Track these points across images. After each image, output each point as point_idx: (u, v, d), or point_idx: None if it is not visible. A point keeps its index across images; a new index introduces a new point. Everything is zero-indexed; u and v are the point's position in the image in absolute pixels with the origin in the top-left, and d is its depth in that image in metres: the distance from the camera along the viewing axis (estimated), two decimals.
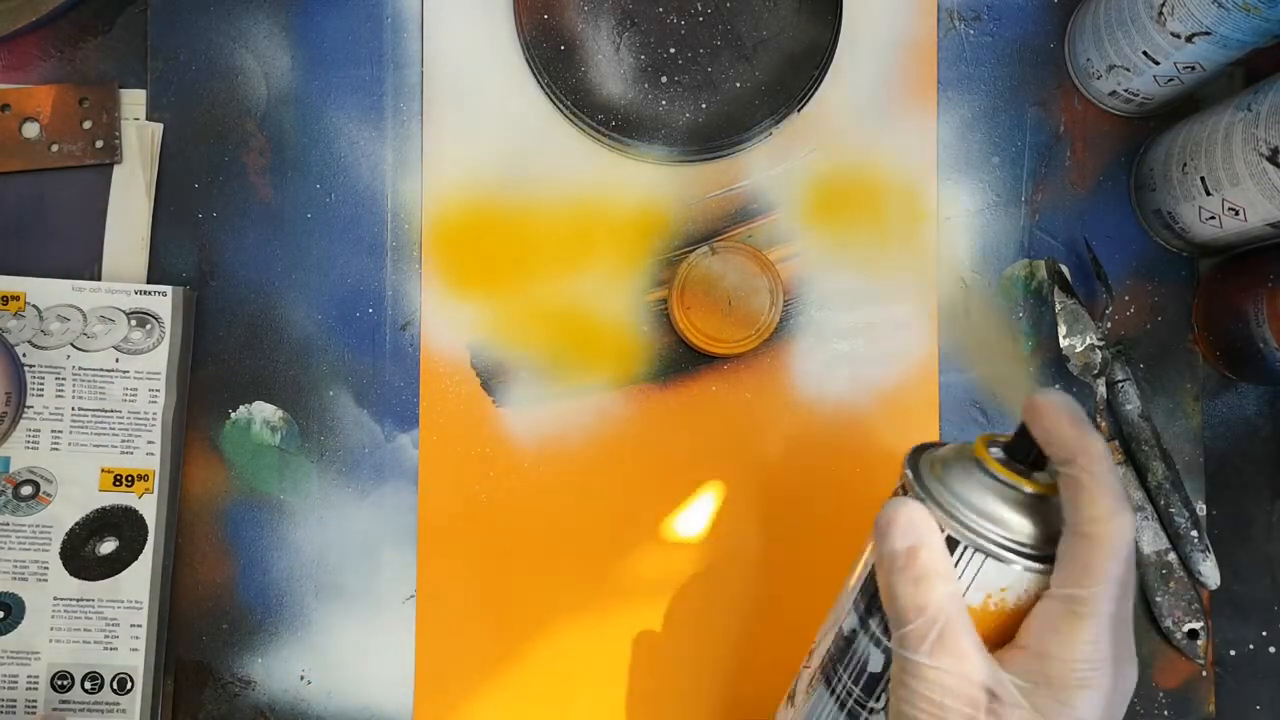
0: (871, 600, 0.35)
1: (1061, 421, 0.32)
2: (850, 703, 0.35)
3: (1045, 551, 0.32)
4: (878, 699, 0.34)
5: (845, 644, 0.36)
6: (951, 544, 0.33)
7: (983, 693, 0.31)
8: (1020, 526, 0.33)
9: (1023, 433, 0.33)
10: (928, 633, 0.31)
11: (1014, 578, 0.32)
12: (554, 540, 0.49)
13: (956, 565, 0.32)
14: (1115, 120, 0.52)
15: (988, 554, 0.32)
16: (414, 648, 0.49)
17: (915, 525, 0.33)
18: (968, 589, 0.33)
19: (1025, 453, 0.33)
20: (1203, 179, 0.45)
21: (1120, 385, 0.50)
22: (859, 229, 0.51)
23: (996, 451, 0.34)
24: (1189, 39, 0.44)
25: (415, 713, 0.49)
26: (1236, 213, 0.44)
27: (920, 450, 0.36)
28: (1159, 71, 0.47)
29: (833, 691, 0.36)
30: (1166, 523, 0.50)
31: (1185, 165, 0.47)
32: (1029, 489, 0.33)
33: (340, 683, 0.49)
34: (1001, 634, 0.33)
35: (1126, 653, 0.32)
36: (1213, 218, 0.46)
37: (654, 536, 0.50)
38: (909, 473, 0.35)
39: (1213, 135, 0.45)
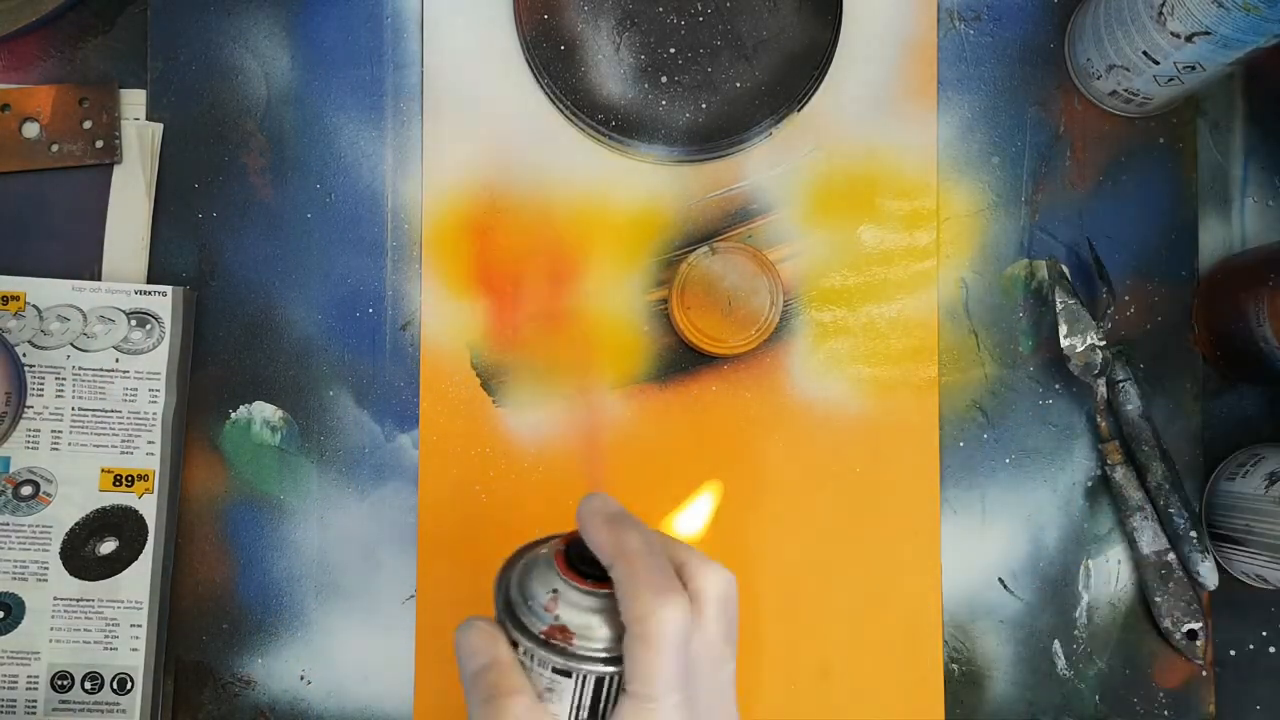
0: None
1: (596, 527, 0.33)
2: None
3: (620, 652, 0.33)
4: None
5: None
6: (528, 658, 0.33)
7: None
8: (596, 630, 0.33)
9: (577, 540, 0.34)
10: None
11: (594, 683, 0.33)
12: None
13: (541, 675, 0.33)
14: (1115, 120, 0.52)
15: (563, 663, 0.33)
16: (414, 648, 0.49)
17: (478, 647, 0.33)
18: (550, 695, 0.33)
19: (590, 556, 0.34)
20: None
21: (1121, 385, 0.50)
22: (859, 229, 0.51)
23: (572, 559, 0.34)
24: (1189, 39, 0.44)
25: (415, 712, 0.49)
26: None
27: (515, 559, 0.36)
28: (1159, 71, 0.47)
29: None
30: (1165, 523, 0.50)
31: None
32: (601, 592, 0.33)
33: (340, 683, 0.49)
34: None
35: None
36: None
37: None
38: (497, 582, 0.35)
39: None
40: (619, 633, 0.33)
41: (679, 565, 0.35)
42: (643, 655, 0.31)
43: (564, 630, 0.33)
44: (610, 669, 0.33)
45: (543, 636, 0.33)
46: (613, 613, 0.33)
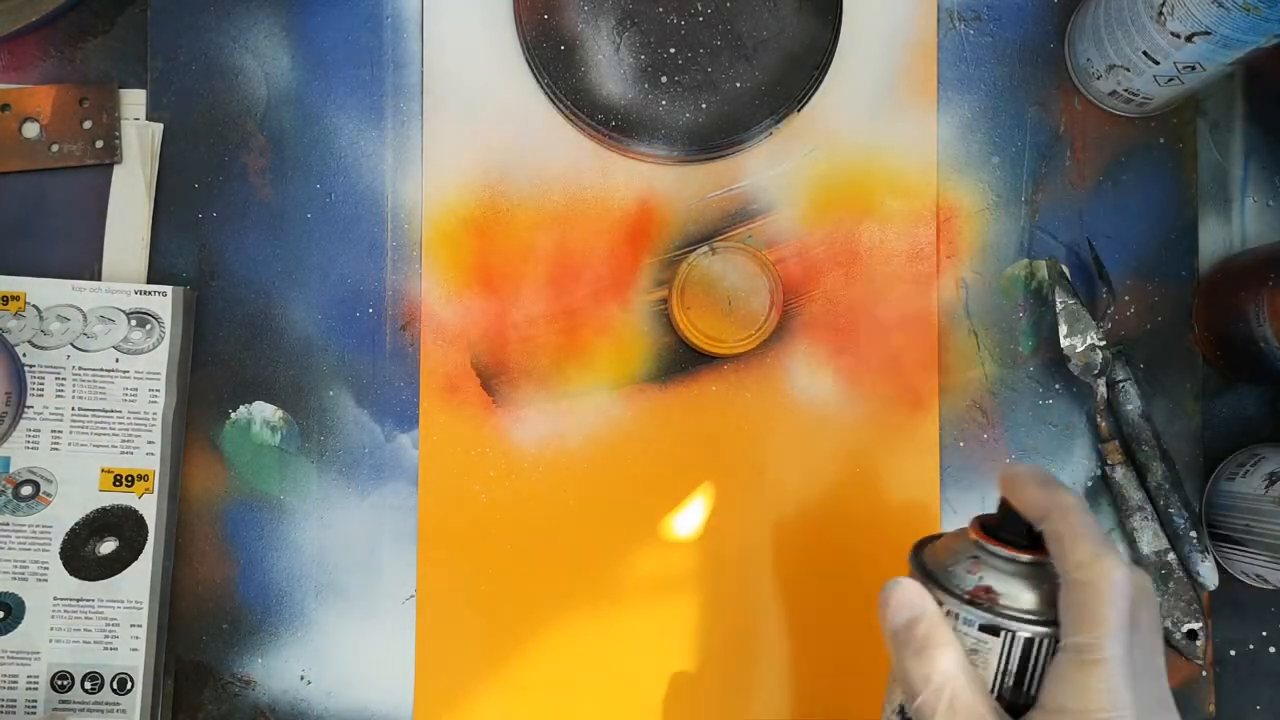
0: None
1: (1031, 485, 0.34)
2: None
3: (1051, 616, 0.33)
4: None
5: None
6: (958, 620, 0.34)
7: None
8: (1021, 595, 0.34)
9: (1003, 505, 0.35)
10: (937, 702, 0.32)
11: (1023, 644, 0.33)
12: (554, 540, 0.49)
13: (968, 634, 0.33)
14: (1115, 120, 0.52)
15: (989, 621, 0.33)
16: (414, 648, 0.49)
17: (910, 600, 0.34)
18: (975, 657, 0.34)
19: (1013, 524, 0.35)
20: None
21: (1121, 385, 0.50)
22: (859, 229, 0.51)
23: (991, 529, 0.35)
24: (1189, 39, 0.44)
25: (415, 713, 0.49)
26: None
27: (923, 543, 0.38)
28: (1159, 71, 0.47)
29: None
30: (1165, 523, 0.50)
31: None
32: (1025, 558, 0.34)
33: (340, 683, 0.49)
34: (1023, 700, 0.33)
35: (1154, 701, 0.33)
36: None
37: (653, 537, 0.50)
38: (911, 560, 0.36)
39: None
40: (1046, 599, 0.33)
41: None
42: (1086, 601, 0.31)
43: (989, 591, 0.34)
44: (1042, 629, 0.33)
45: (969, 596, 0.34)
46: (1037, 579, 0.34)
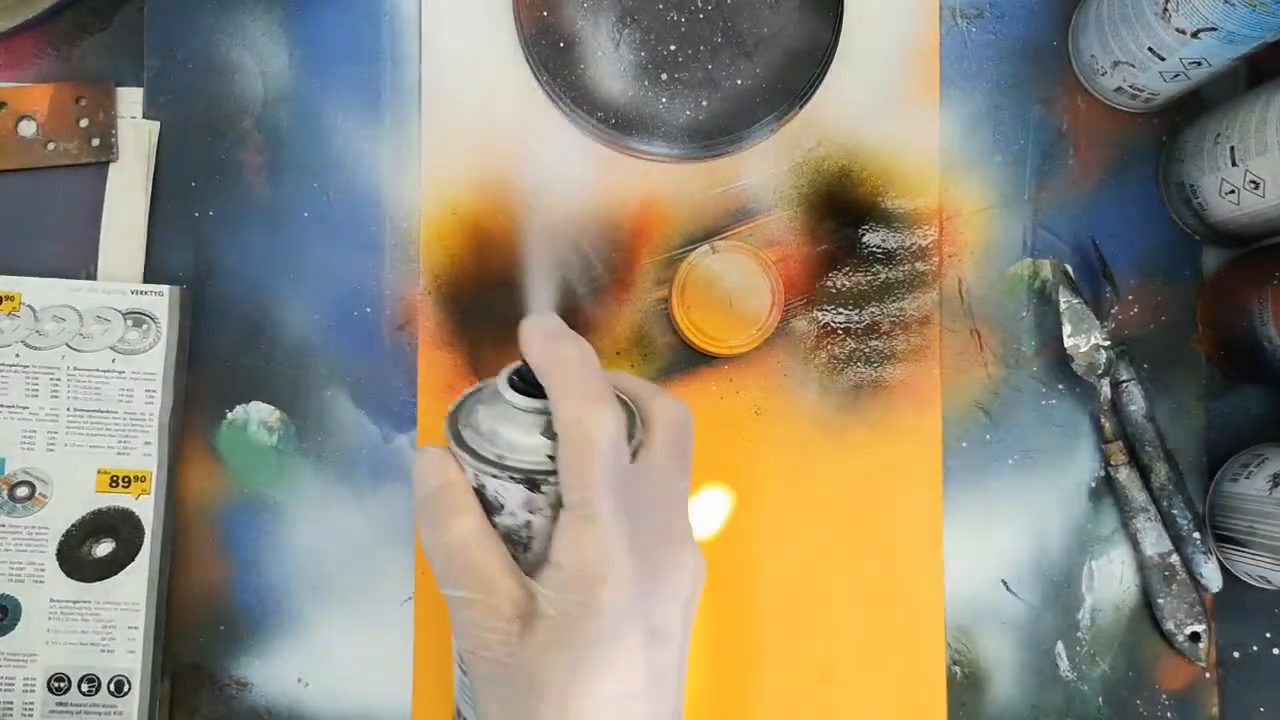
0: None
1: (534, 338, 0.33)
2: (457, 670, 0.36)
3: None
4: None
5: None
6: (478, 480, 0.33)
7: (515, 610, 0.31)
8: (539, 446, 0.33)
9: (524, 364, 0.34)
10: (449, 566, 0.32)
11: (543, 498, 0.33)
12: None
13: (493, 494, 0.33)
14: (1119, 118, 0.52)
15: (506, 479, 0.33)
16: (412, 650, 0.48)
17: (430, 469, 0.33)
18: (505, 514, 0.33)
19: (532, 375, 0.34)
20: (1232, 149, 0.46)
21: (1125, 385, 0.50)
22: (861, 228, 0.51)
23: (514, 379, 0.34)
24: (1195, 35, 0.43)
25: (414, 715, 0.48)
26: (1257, 185, 0.44)
27: (468, 396, 0.36)
28: (1165, 68, 0.46)
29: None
30: (1169, 524, 0.50)
31: (1219, 135, 0.47)
32: (541, 408, 0.33)
33: (338, 685, 0.48)
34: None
35: (673, 533, 0.33)
36: (1232, 192, 0.46)
37: None
38: (446, 420, 0.35)
39: (1251, 105, 0.45)
40: (558, 447, 0.32)
41: (632, 396, 0.35)
42: (574, 459, 0.31)
43: (506, 445, 0.33)
44: (552, 480, 0.32)
45: (486, 455, 0.33)
46: (552, 427, 0.33)
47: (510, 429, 0.33)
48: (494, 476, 0.33)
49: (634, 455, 0.34)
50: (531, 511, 0.33)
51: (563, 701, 0.31)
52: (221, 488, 0.49)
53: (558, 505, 0.32)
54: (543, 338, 0.33)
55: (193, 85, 0.49)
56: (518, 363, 0.35)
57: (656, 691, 0.32)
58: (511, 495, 0.33)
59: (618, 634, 0.31)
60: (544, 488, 0.33)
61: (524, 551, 0.33)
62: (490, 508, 0.33)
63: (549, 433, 0.33)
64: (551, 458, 0.33)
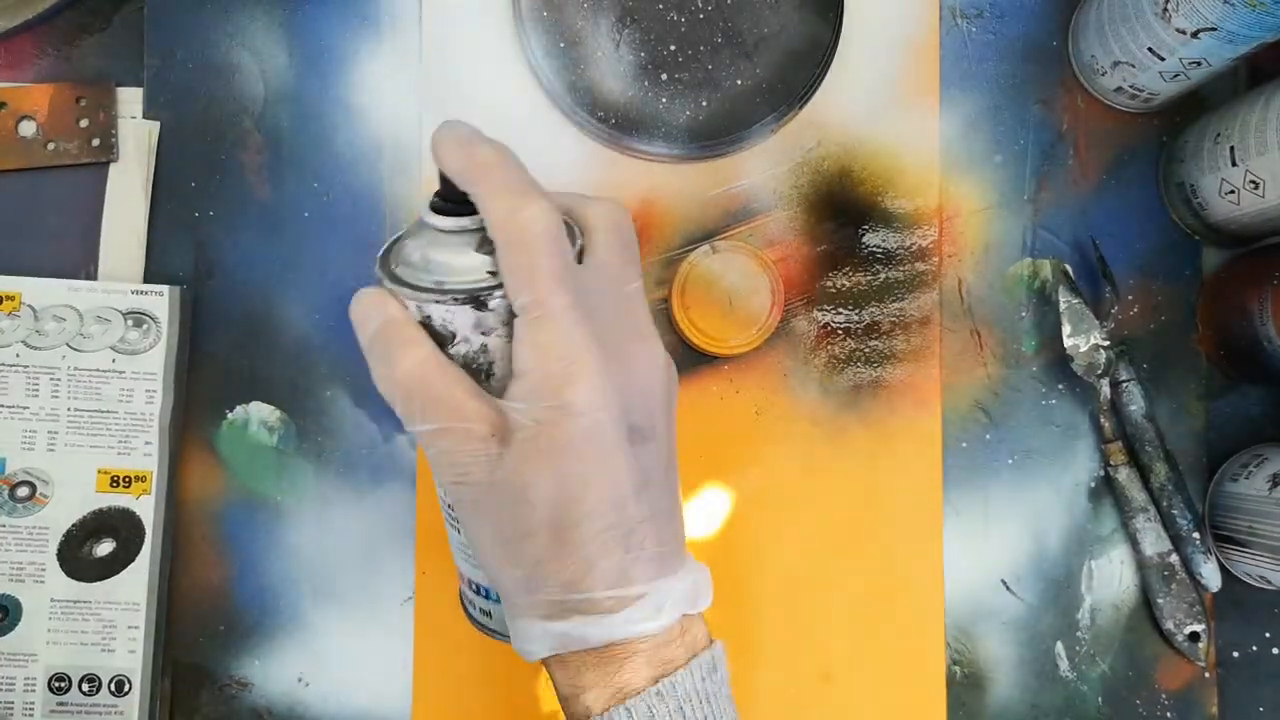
0: None
1: (448, 145, 0.31)
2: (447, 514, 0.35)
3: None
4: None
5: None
6: (422, 313, 0.32)
7: (489, 429, 0.30)
8: (476, 263, 0.31)
9: (443, 175, 0.32)
10: (411, 401, 0.31)
11: (492, 315, 0.31)
12: None
13: (440, 324, 0.31)
14: (1118, 117, 0.52)
15: (449, 303, 0.31)
16: (412, 650, 0.48)
17: (369, 310, 0.32)
18: (459, 343, 0.32)
19: (452, 192, 0.32)
20: (1232, 149, 0.46)
21: (1124, 385, 0.50)
22: (860, 228, 0.51)
23: (436, 201, 0.33)
24: (1195, 35, 0.43)
25: (413, 715, 0.48)
26: (1257, 185, 0.44)
27: (396, 239, 0.34)
28: (1165, 67, 0.46)
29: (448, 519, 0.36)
30: (1168, 524, 0.50)
31: (1219, 135, 0.47)
32: (470, 224, 0.32)
33: (338, 685, 0.48)
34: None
35: (632, 328, 0.32)
36: (1232, 192, 0.46)
37: None
38: (376, 266, 0.33)
39: (1251, 105, 0.45)
40: (497, 260, 0.31)
41: (566, 208, 0.33)
42: (515, 259, 0.30)
43: (442, 269, 0.31)
44: (497, 294, 0.31)
45: (424, 285, 0.31)
46: (487, 241, 0.31)
47: (443, 253, 0.32)
48: (437, 303, 0.31)
49: (579, 259, 0.32)
50: (484, 333, 0.32)
51: (553, 512, 0.30)
52: (222, 487, 0.49)
53: (510, 319, 0.31)
54: (457, 145, 0.31)
55: (193, 85, 0.49)
56: (436, 188, 0.33)
57: (646, 493, 0.31)
58: (460, 320, 0.31)
59: (598, 433, 0.30)
60: (491, 304, 0.31)
61: (487, 379, 0.32)
62: (442, 339, 0.32)
63: (483, 247, 0.31)
64: (493, 273, 0.31)
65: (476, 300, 0.31)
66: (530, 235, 0.30)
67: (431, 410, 0.30)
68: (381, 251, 0.34)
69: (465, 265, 0.31)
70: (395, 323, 0.31)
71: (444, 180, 0.32)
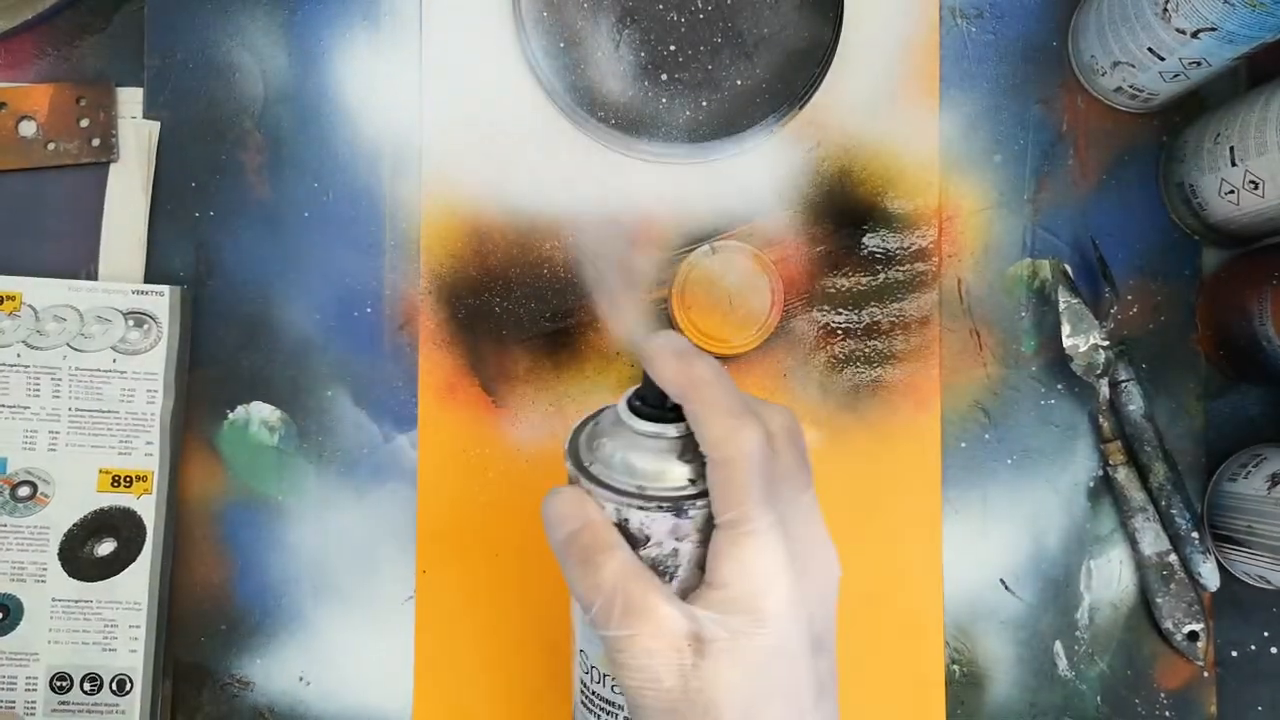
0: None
1: (665, 361, 0.32)
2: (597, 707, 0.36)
3: (704, 487, 0.32)
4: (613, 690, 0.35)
5: (581, 659, 0.36)
6: (620, 515, 0.32)
7: (685, 639, 0.31)
8: (678, 472, 0.32)
9: (647, 380, 0.33)
10: (610, 607, 0.31)
11: (689, 523, 0.32)
12: None
13: (637, 527, 0.32)
14: (1118, 118, 0.52)
15: (651, 509, 0.32)
16: (413, 649, 0.49)
17: (567, 511, 0.33)
18: (650, 545, 0.32)
19: (658, 399, 0.33)
20: (1232, 149, 0.46)
21: (1124, 385, 0.50)
22: (860, 228, 0.51)
23: (637, 405, 0.34)
24: (1195, 35, 0.43)
25: (414, 714, 0.48)
26: (1256, 185, 0.44)
27: (580, 428, 0.35)
28: (1165, 68, 0.46)
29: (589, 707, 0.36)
30: (1167, 524, 0.50)
31: (1219, 135, 0.47)
32: (674, 433, 0.33)
33: (339, 684, 0.48)
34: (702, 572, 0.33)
35: (811, 536, 0.33)
36: (1232, 192, 0.46)
37: None
38: (567, 457, 0.34)
39: (1251, 105, 0.45)
40: (699, 469, 0.32)
41: None
42: (728, 478, 0.31)
43: (645, 475, 0.32)
44: (698, 504, 0.32)
45: (627, 489, 0.32)
46: (688, 451, 0.32)
47: (644, 458, 0.33)
48: (640, 509, 0.32)
49: None
50: (678, 539, 0.32)
51: (744, 717, 0.31)
52: (222, 487, 0.49)
53: (705, 529, 0.32)
54: (674, 358, 0.32)
55: (193, 85, 0.49)
56: (633, 388, 0.34)
57: (822, 703, 0.32)
58: (658, 526, 0.32)
59: (786, 647, 0.31)
60: (691, 512, 0.32)
61: (669, 580, 0.33)
62: (634, 541, 0.32)
63: (686, 456, 0.33)
64: (692, 481, 0.32)
65: (679, 508, 0.32)
66: (742, 456, 0.31)
67: (630, 617, 0.31)
68: (569, 442, 0.35)
69: (668, 473, 0.32)
70: (596, 526, 0.32)
71: (648, 385, 0.33)
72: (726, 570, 0.31)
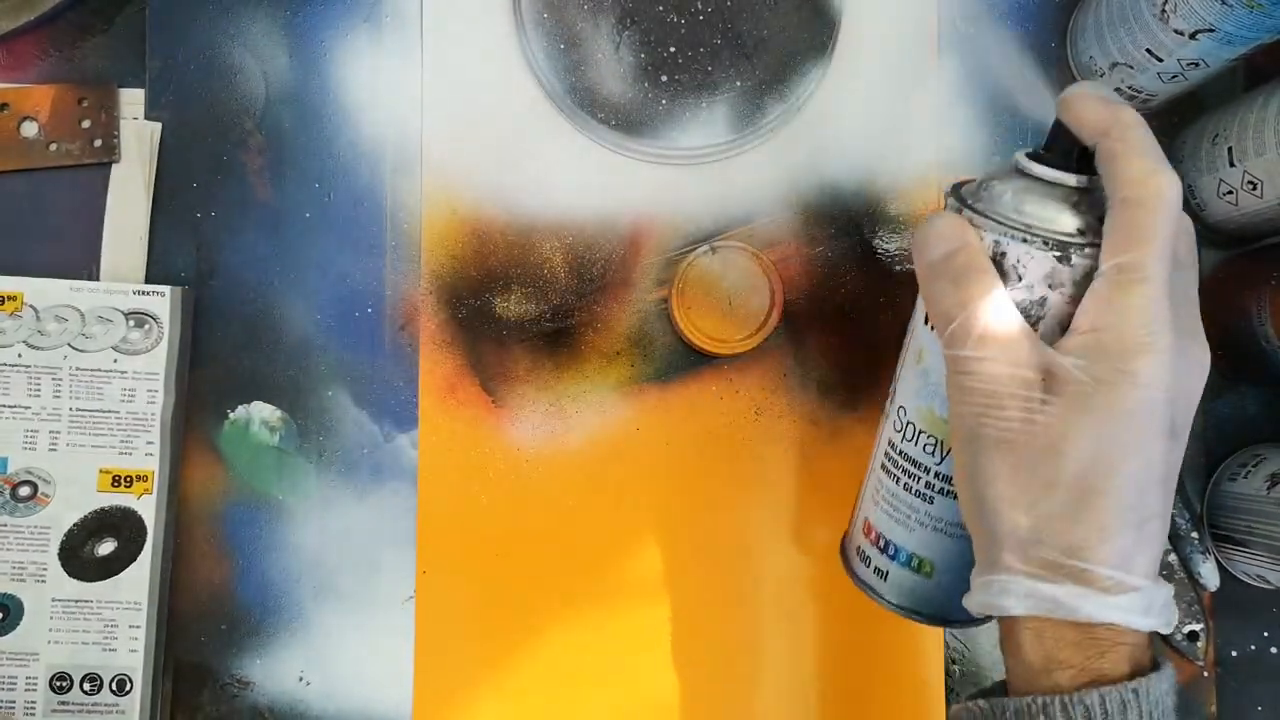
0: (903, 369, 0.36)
1: (1089, 101, 0.32)
2: (913, 477, 0.36)
3: (1093, 240, 0.32)
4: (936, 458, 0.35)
5: (897, 417, 0.36)
6: (998, 249, 0.32)
7: (1036, 373, 0.30)
8: (1068, 220, 0.32)
9: (1057, 126, 0.33)
10: (971, 325, 0.31)
11: (1067, 272, 0.32)
12: (554, 541, 0.49)
13: (1012, 263, 0.32)
14: None
15: (1034, 246, 0.32)
16: (413, 649, 0.49)
17: (946, 232, 0.33)
18: (1020, 287, 0.32)
19: (1064, 147, 0.33)
20: (1230, 149, 0.46)
21: None
22: (860, 229, 0.51)
23: (1038, 153, 0.34)
24: (1193, 36, 0.43)
25: (414, 714, 0.48)
26: (1255, 186, 0.45)
27: (963, 181, 0.36)
28: (1163, 69, 0.46)
29: (896, 475, 0.36)
30: None
31: (1217, 136, 0.47)
32: (1072, 182, 0.33)
33: (339, 684, 0.48)
34: (1062, 331, 0.32)
35: (1191, 327, 0.32)
36: (1230, 192, 0.46)
37: (653, 537, 0.50)
38: (948, 194, 0.34)
39: (1249, 106, 0.45)
40: (1088, 222, 0.32)
41: None
42: (1135, 219, 0.30)
43: (1030, 215, 0.32)
44: (1084, 252, 0.31)
45: (1014, 221, 0.32)
46: (1082, 204, 0.32)
47: (1036, 201, 0.32)
48: (1023, 241, 0.32)
49: None
50: (1051, 286, 0.32)
51: (1086, 470, 0.30)
52: (223, 487, 0.49)
53: (1081, 284, 0.31)
54: (1100, 102, 0.32)
55: (194, 86, 0.50)
56: (1028, 148, 0.34)
57: (1164, 489, 0.31)
58: (1034, 266, 0.32)
59: (1151, 411, 0.30)
60: (1074, 260, 0.31)
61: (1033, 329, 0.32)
62: (1006, 278, 0.32)
63: (1080, 207, 0.32)
64: (1081, 232, 0.32)
65: (1064, 251, 0.32)
66: (1157, 199, 0.30)
67: (988, 342, 0.31)
68: (950, 188, 0.35)
69: (1059, 219, 0.32)
70: (973, 249, 0.32)
71: (1058, 134, 0.33)
72: (1101, 314, 0.30)
